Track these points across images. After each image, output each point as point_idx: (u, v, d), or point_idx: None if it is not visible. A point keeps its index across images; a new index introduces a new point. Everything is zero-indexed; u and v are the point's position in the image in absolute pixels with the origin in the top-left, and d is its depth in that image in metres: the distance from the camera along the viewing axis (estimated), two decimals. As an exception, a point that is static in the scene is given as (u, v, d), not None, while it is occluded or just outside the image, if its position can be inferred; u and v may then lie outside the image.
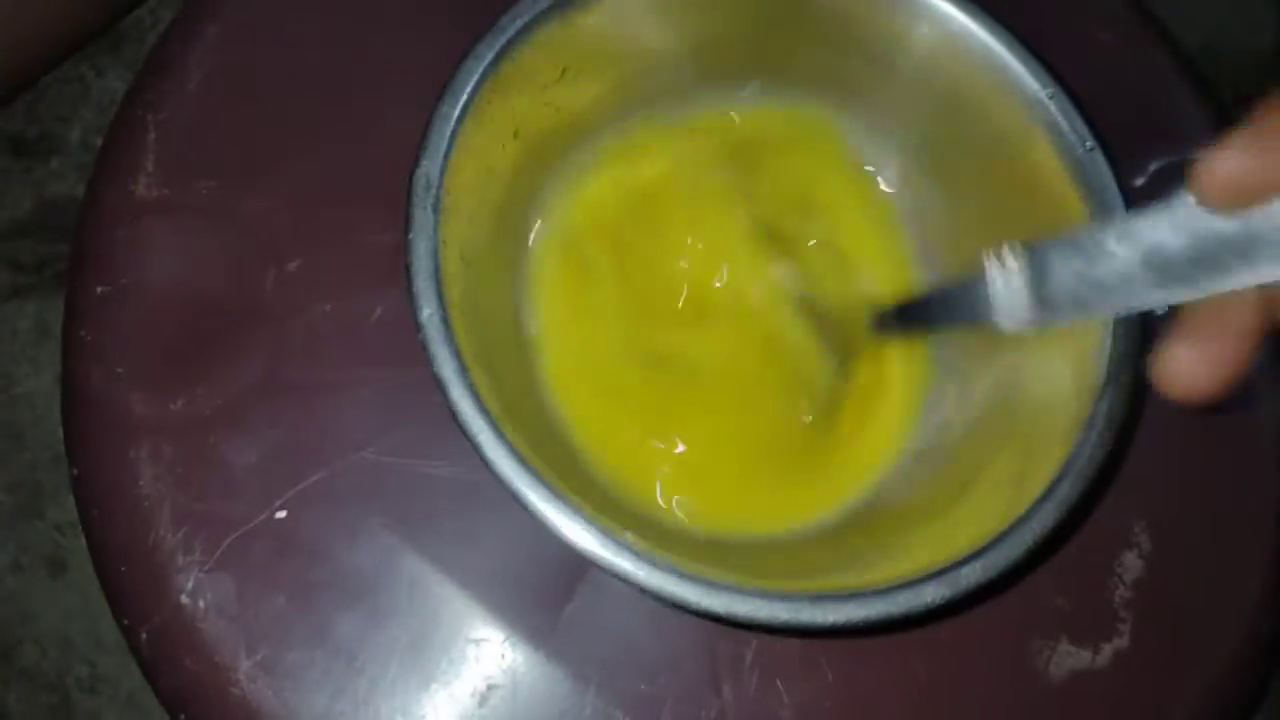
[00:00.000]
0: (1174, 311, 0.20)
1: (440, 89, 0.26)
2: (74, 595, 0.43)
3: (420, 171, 0.25)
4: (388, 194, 0.31)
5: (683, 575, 0.22)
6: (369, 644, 0.28)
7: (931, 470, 0.28)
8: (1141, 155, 0.36)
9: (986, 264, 0.23)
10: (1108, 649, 0.31)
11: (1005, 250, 0.23)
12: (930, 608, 0.22)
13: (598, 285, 0.31)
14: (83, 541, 0.45)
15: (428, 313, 0.23)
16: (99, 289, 0.31)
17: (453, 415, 0.23)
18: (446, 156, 0.25)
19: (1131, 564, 0.32)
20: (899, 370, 0.30)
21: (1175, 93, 0.39)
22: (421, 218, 0.24)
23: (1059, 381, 0.28)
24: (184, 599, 0.28)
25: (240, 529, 0.29)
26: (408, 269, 0.24)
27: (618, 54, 0.30)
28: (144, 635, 0.28)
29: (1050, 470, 0.25)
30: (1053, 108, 0.28)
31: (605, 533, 0.22)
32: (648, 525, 0.27)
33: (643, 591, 0.22)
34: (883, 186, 0.33)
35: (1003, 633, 0.30)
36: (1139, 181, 0.36)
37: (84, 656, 0.42)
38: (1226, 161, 0.18)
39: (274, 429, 0.30)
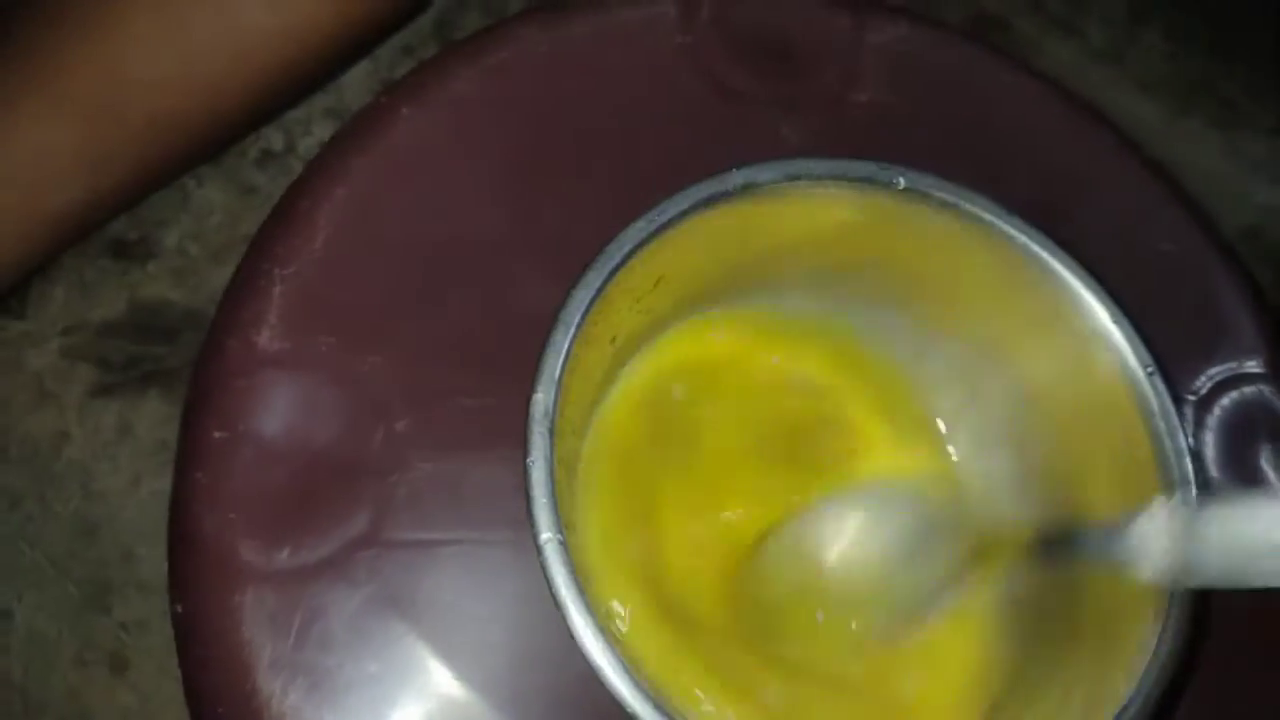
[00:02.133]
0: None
1: (554, 311, 0.28)
2: (133, 695, 0.44)
3: (537, 399, 0.27)
4: (489, 360, 0.33)
5: None
6: (451, 806, 0.29)
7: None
8: (1201, 364, 0.38)
9: (1140, 516, 0.25)
10: None
11: (1158, 506, 0.25)
12: None
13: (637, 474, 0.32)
14: (146, 640, 0.46)
15: (546, 537, 0.25)
16: (216, 434, 0.32)
17: (573, 635, 0.24)
18: (559, 382, 0.27)
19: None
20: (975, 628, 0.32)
21: (1229, 299, 0.40)
22: (539, 443, 0.26)
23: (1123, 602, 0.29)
24: (276, 747, 0.30)
25: (334, 681, 0.30)
26: (527, 494, 0.26)
27: (710, 259, 0.31)
28: (235, 780, 0.30)
29: (1123, 683, 0.27)
30: (1118, 334, 0.30)
31: None
32: None
33: None
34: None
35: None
36: (1203, 390, 0.37)
37: (138, 759, 0.43)
38: None
39: (372, 584, 0.31)
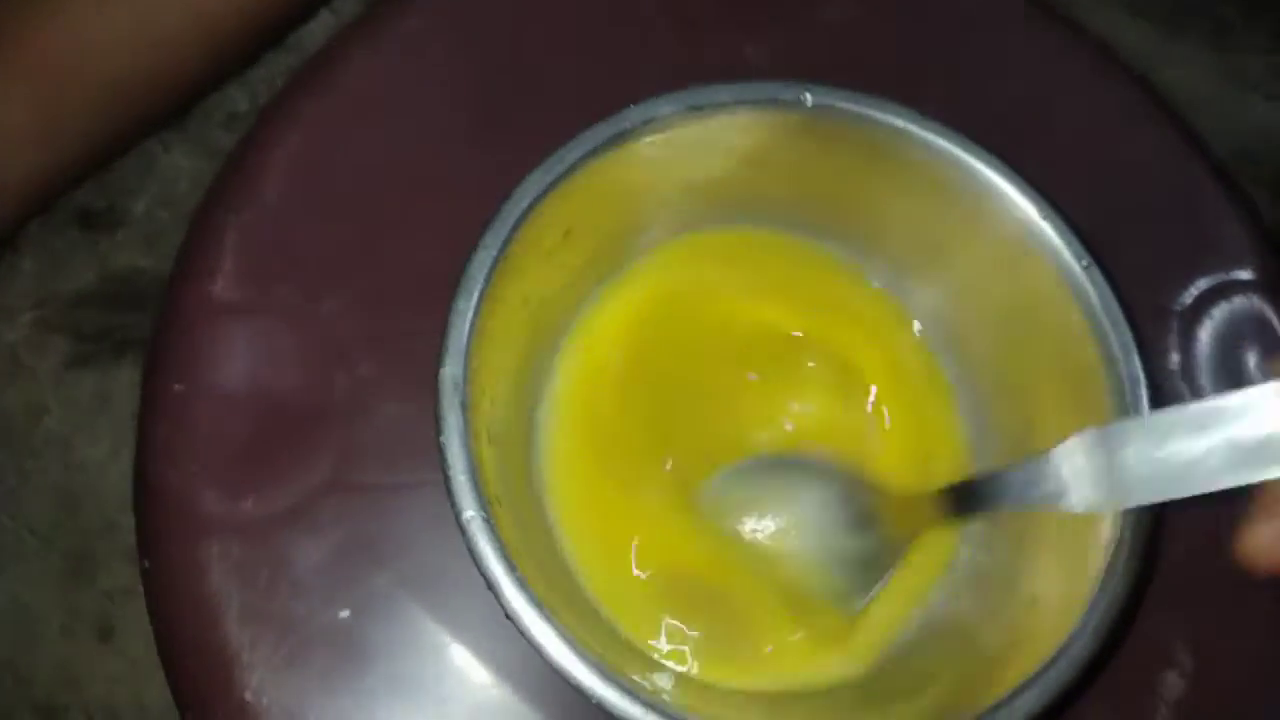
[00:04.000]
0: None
1: (454, 279, 0.26)
2: (121, 662, 0.44)
3: (445, 373, 0.25)
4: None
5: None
6: (427, 749, 0.29)
7: (964, 599, 0.29)
8: (1189, 275, 0.37)
9: (1055, 449, 0.23)
10: (1149, 772, 0.31)
11: (1075, 436, 0.23)
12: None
13: (609, 432, 0.31)
14: (132, 607, 0.46)
15: (469, 515, 0.24)
16: (176, 387, 0.32)
17: (505, 613, 0.24)
18: (467, 352, 0.25)
19: (1173, 683, 0.33)
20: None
21: (1218, 211, 0.39)
22: (452, 418, 0.24)
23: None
24: (248, 696, 0.29)
25: (305, 629, 0.30)
26: (445, 473, 0.24)
27: (623, 203, 0.30)
28: (207, 731, 0.29)
29: (1086, 589, 0.26)
30: (1048, 229, 0.28)
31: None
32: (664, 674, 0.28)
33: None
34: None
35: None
36: (1189, 301, 0.36)
37: (129, 725, 0.43)
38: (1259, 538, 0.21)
39: (339, 529, 0.31)
